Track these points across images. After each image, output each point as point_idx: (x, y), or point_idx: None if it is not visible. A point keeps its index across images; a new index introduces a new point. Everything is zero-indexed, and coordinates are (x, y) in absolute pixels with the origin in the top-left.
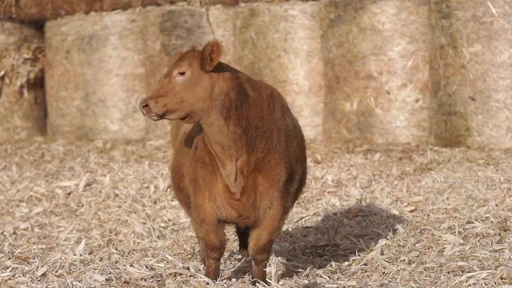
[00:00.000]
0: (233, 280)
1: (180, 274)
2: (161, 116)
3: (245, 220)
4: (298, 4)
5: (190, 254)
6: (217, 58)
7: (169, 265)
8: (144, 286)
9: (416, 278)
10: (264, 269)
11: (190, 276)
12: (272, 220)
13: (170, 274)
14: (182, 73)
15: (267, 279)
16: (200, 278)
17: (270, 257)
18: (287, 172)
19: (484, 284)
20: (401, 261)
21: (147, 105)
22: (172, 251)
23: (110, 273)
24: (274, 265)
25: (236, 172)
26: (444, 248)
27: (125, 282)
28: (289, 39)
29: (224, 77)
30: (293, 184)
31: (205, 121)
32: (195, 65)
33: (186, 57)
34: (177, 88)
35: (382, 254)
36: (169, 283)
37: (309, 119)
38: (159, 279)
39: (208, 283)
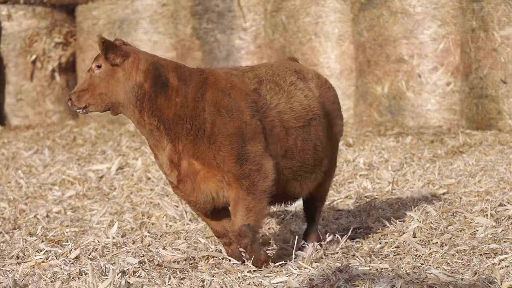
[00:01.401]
0: None
1: (213, 257)
2: (84, 109)
3: (198, 206)
4: None
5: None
6: (106, 54)
7: (201, 248)
8: (177, 268)
9: (448, 261)
10: (258, 255)
11: (223, 258)
12: (235, 202)
13: (203, 256)
14: (98, 67)
15: (299, 262)
16: (232, 260)
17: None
18: (229, 154)
19: None
20: (434, 243)
21: (70, 99)
22: (204, 234)
23: (143, 255)
24: (311, 248)
25: (166, 162)
26: (477, 230)
27: (158, 264)
28: (320, 22)
29: (138, 69)
30: (247, 163)
31: (125, 113)
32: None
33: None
34: (95, 82)
35: (414, 237)
36: (201, 266)
37: (340, 102)
38: (192, 261)
39: (238, 266)
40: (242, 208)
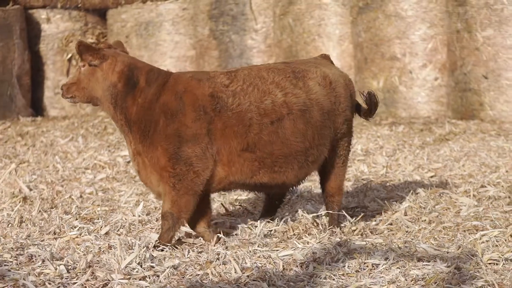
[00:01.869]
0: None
1: (227, 233)
2: (71, 99)
3: (155, 196)
4: None
5: (236, 215)
6: (81, 57)
7: (216, 224)
8: (195, 244)
9: (435, 236)
10: (166, 235)
11: (235, 234)
12: (163, 194)
13: (217, 232)
14: (83, 65)
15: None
16: (243, 236)
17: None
18: (163, 154)
19: (496, 241)
20: (423, 221)
21: (62, 89)
22: (219, 212)
23: None
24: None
25: (131, 155)
26: (460, 209)
27: (178, 239)
28: (323, 24)
29: (114, 70)
30: (180, 164)
31: (102, 108)
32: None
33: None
34: (81, 77)
35: (406, 215)
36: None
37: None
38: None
39: (249, 241)
40: (168, 200)
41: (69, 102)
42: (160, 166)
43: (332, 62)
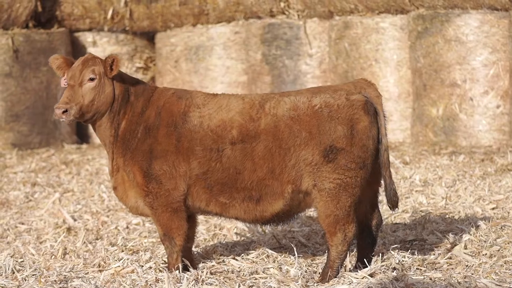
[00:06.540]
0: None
1: (279, 266)
2: (78, 118)
3: (130, 210)
4: (388, 17)
5: (288, 248)
6: (116, 69)
7: (269, 258)
8: (245, 277)
9: (497, 271)
10: (170, 259)
11: (287, 268)
12: (151, 215)
13: (267, 268)
14: (92, 79)
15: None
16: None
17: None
18: (139, 170)
19: None
20: (483, 255)
21: (66, 110)
22: (270, 245)
23: (215, 265)
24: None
25: (110, 169)
26: None
27: (231, 272)
28: (380, 49)
29: (118, 84)
30: (152, 181)
31: (98, 122)
32: (102, 72)
33: (92, 65)
34: (88, 92)
35: (466, 249)
36: (269, 274)
37: (398, 124)
38: (260, 270)
39: (302, 275)
40: (155, 221)
41: (66, 120)
42: (136, 183)
43: (372, 86)
